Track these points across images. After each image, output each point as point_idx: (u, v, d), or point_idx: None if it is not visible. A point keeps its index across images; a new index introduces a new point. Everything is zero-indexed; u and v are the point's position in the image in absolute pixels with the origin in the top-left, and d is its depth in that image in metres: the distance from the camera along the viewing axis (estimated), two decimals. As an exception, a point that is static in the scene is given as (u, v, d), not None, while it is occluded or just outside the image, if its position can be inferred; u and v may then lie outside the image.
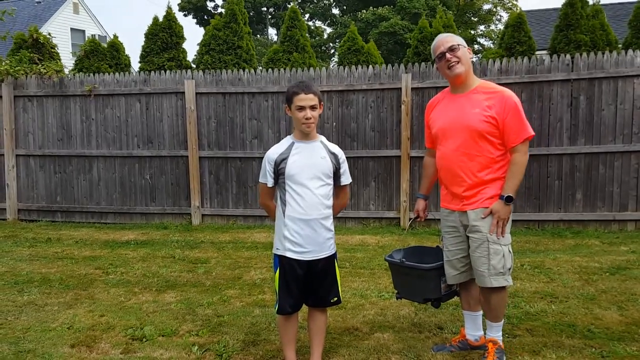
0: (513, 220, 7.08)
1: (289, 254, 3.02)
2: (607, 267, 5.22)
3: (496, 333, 3.12)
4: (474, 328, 3.34)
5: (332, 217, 3.11)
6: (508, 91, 3.01)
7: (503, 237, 3.00)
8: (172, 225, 8.07)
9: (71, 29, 26.78)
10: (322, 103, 3.04)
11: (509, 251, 3.02)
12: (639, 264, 5.30)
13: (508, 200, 2.94)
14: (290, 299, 3.05)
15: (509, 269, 3.00)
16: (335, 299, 3.16)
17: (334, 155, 3.09)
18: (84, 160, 8.43)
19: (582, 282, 4.76)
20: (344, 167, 3.14)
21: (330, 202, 3.08)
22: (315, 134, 3.09)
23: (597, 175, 7.05)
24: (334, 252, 3.12)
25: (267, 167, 3.04)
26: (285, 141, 3.10)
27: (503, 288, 3.02)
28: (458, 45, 3.01)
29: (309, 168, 2.99)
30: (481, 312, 3.32)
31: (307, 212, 2.98)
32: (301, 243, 2.99)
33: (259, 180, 3.14)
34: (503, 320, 3.14)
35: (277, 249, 3.11)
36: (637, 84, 6.82)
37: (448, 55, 3.00)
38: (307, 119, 2.94)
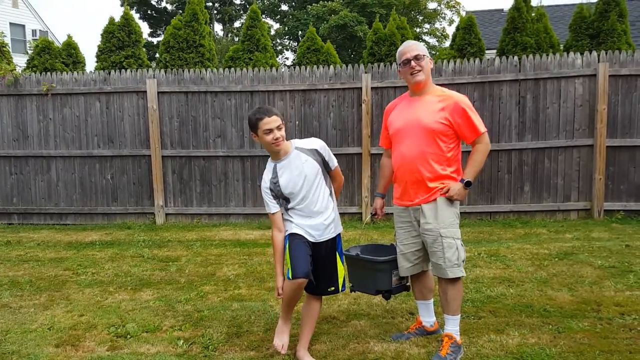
0: (467, 212, 7.57)
1: (295, 230, 3.24)
2: (555, 253, 5.69)
3: (453, 328, 3.32)
4: (427, 315, 3.64)
5: (332, 203, 3.34)
6: (458, 95, 3.30)
7: (452, 203, 3.27)
8: (136, 225, 8.05)
9: (10, 23, 25.63)
10: (284, 122, 3.24)
11: (462, 244, 3.30)
12: (583, 249, 5.80)
13: (467, 185, 3.23)
14: (302, 262, 3.11)
15: (463, 261, 3.28)
16: (333, 288, 3.37)
17: (314, 152, 3.26)
18: (42, 161, 8.26)
19: (534, 267, 5.19)
20: (327, 154, 3.32)
21: (327, 193, 3.30)
22: (287, 145, 3.24)
23: (543, 168, 7.58)
24: (335, 234, 3.34)
25: (266, 197, 3.27)
26: (269, 166, 3.30)
27: (459, 279, 3.29)
28: (423, 55, 3.28)
29: (299, 179, 3.19)
30: (432, 300, 3.64)
31: (311, 216, 3.24)
32: (307, 230, 3.24)
33: (268, 211, 3.33)
34: (459, 315, 3.36)
35: (285, 230, 3.29)
36: (579, 83, 7.39)
37: (413, 63, 3.26)
38: (276, 139, 3.12)
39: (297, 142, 3.29)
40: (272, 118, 3.11)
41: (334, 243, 3.35)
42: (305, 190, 3.20)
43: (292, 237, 3.24)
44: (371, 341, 3.57)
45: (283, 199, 3.27)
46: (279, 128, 3.13)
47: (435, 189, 3.26)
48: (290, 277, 3.13)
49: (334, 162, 3.35)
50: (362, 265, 3.62)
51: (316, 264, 3.27)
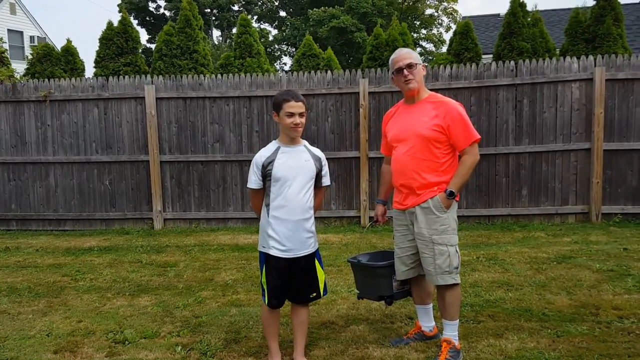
0: (465, 216, 7.57)
1: (272, 252, 3.22)
2: (553, 256, 5.69)
3: (451, 333, 3.33)
4: (427, 320, 3.64)
5: (313, 217, 3.32)
6: (452, 102, 3.32)
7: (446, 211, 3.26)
8: (134, 231, 8.04)
9: (8, 30, 25.64)
10: (308, 111, 3.26)
11: (456, 251, 3.28)
12: (581, 253, 5.81)
13: (450, 195, 3.23)
14: (276, 292, 3.26)
15: (456, 268, 3.26)
16: (314, 294, 3.36)
17: (317, 159, 3.30)
18: (40, 167, 8.25)
19: (533, 271, 5.19)
20: (325, 169, 3.37)
21: (311, 203, 3.29)
22: (300, 139, 3.30)
23: (541, 172, 7.60)
24: (314, 249, 3.34)
25: (255, 170, 3.24)
26: (272, 145, 3.29)
27: (455, 285, 3.28)
28: (415, 64, 3.30)
29: (294, 171, 3.19)
30: (431, 305, 3.64)
31: (291, 213, 3.19)
32: (283, 242, 3.20)
33: (247, 186, 3.33)
34: (458, 320, 3.36)
35: (262, 246, 3.29)
36: (575, 88, 7.42)
37: (405, 72, 3.28)
38: (295, 124, 3.16)
39: (306, 143, 3.35)
40: (298, 104, 3.16)
41: (313, 255, 3.33)
42: (292, 184, 3.18)
43: (268, 264, 3.25)
44: (370, 346, 3.57)
45: (268, 182, 3.23)
46: (301, 115, 3.18)
47: (427, 191, 3.27)
48: (265, 301, 3.31)
49: (327, 181, 3.39)
50: (363, 271, 3.64)
51: (297, 276, 3.27)
